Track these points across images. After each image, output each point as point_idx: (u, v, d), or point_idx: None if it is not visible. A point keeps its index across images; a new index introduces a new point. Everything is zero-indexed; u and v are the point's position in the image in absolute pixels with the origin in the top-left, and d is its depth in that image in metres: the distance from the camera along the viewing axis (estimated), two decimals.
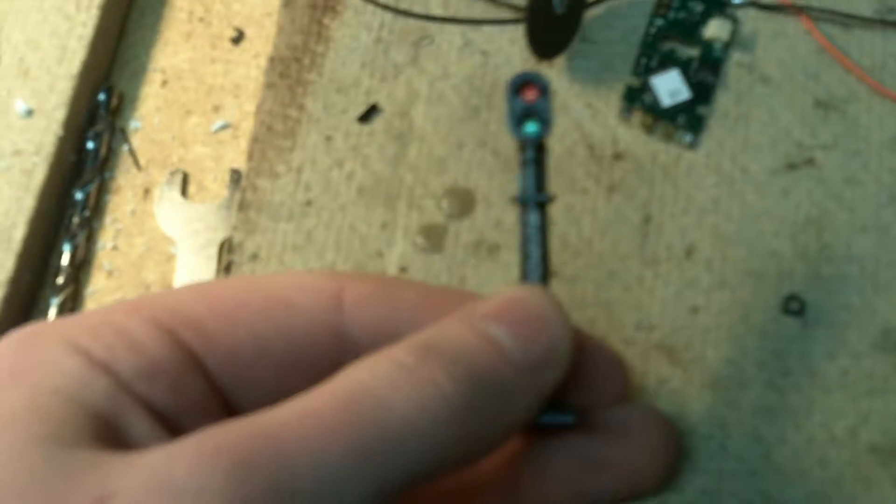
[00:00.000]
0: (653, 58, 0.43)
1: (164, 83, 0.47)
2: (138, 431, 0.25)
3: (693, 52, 0.43)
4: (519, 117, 0.30)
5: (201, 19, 0.48)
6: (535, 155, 0.31)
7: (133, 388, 0.26)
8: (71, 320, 0.28)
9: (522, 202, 0.31)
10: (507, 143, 0.42)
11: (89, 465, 0.23)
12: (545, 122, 0.30)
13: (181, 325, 0.28)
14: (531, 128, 0.30)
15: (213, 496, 0.22)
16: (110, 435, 0.25)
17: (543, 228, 0.31)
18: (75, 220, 0.43)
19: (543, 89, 0.30)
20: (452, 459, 0.26)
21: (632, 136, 0.42)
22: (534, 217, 0.31)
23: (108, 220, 0.44)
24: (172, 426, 0.26)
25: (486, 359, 0.27)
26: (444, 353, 0.26)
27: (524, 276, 0.31)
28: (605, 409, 0.32)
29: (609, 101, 0.42)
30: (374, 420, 0.24)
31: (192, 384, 0.27)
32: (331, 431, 0.24)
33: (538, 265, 0.31)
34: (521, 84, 0.30)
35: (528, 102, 0.30)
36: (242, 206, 0.42)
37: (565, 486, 0.32)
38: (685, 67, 0.42)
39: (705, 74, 0.42)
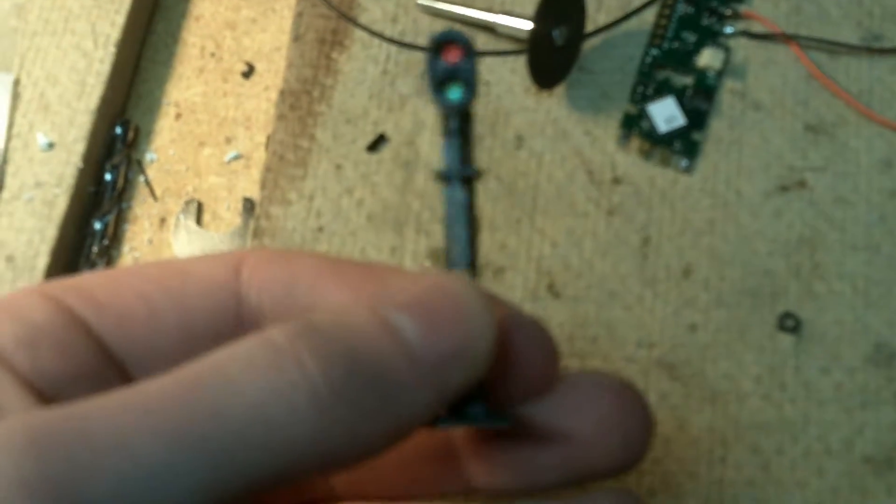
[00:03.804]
0: (649, 86, 0.44)
1: (178, 116, 0.48)
2: (9, 403, 0.24)
3: (687, 80, 0.44)
4: (440, 81, 0.26)
5: (213, 54, 0.50)
6: (458, 124, 0.27)
7: (10, 358, 0.25)
8: None
9: (446, 178, 0.27)
10: (511, 169, 0.43)
11: None
12: (469, 87, 0.26)
13: (67, 292, 0.26)
14: (454, 94, 0.26)
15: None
16: None
17: (470, 207, 0.27)
18: (95, 249, 0.45)
19: (468, 49, 0.26)
20: (317, 457, 0.22)
21: (630, 161, 0.43)
22: (460, 194, 0.27)
23: (125, 248, 0.46)
24: (56, 395, 0.25)
25: (375, 347, 0.23)
26: (322, 334, 0.23)
27: (450, 263, 0.27)
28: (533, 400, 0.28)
29: (607, 128, 0.44)
30: (214, 404, 0.21)
31: (80, 349, 0.26)
32: (152, 413, 0.21)
33: (465, 249, 0.27)
34: (442, 43, 0.26)
35: (450, 64, 0.26)
36: (256, 234, 0.44)
37: (510, 465, 0.29)
38: (680, 95, 0.44)
39: (699, 101, 0.44)
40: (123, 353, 0.26)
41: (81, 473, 0.20)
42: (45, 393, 0.25)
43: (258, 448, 0.21)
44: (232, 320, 0.27)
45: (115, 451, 0.20)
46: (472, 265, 0.27)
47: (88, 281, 0.27)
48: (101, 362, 0.26)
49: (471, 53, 0.26)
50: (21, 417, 0.21)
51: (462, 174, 0.27)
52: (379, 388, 0.23)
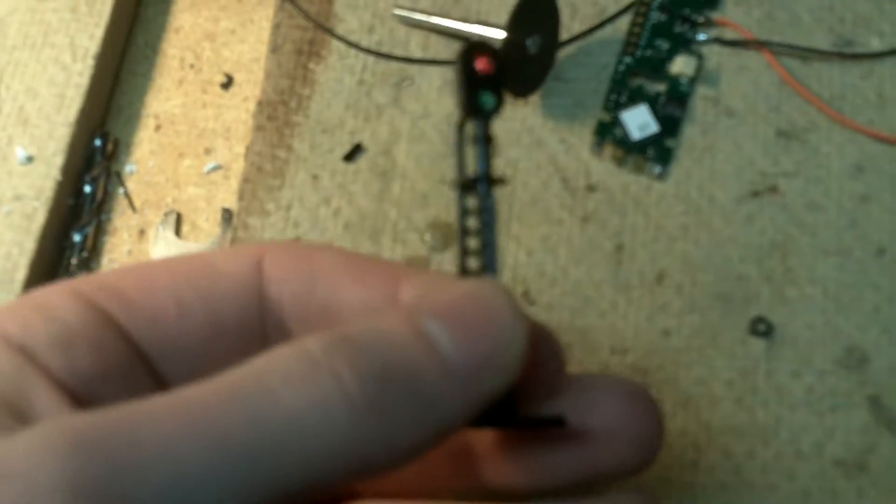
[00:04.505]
0: (622, 94, 0.45)
1: (158, 128, 0.49)
2: (43, 407, 0.24)
3: (661, 87, 0.45)
4: (472, 89, 0.27)
5: (192, 66, 0.50)
6: (486, 131, 0.27)
7: (44, 360, 0.25)
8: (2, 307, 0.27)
9: (475, 184, 0.27)
10: None
11: None
12: (500, 95, 0.27)
13: (98, 291, 0.26)
14: (487, 101, 0.27)
15: (43, 481, 0.20)
16: (14, 413, 0.23)
17: (496, 212, 0.27)
18: (74, 261, 0.45)
19: (497, 59, 0.27)
20: (353, 465, 0.23)
21: (604, 168, 0.44)
22: (491, 199, 0.27)
23: (105, 260, 0.46)
24: (89, 395, 0.25)
25: (409, 356, 0.23)
26: (357, 345, 0.23)
27: (482, 268, 0.27)
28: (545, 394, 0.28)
29: (581, 136, 0.44)
30: (254, 413, 0.22)
31: (111, 348, 0.26)
32: (196, 421, 0.21)
33: (493, 254, 0.27)
34: (471, 54, 0.27)
35: (481, 72, 0.27)
36: (234, 244, 0.44)
37: (525, 464, 0.29)
38: (653, 102, 0.44)
39: (672, 108, 0.44)
40: (153, 350, 0.27)
41: (129, 477, 0.20)
42: (78, 393, 0.25)
43: (296, 456, 0.22)
44: (255, 315, 0.28)
45: (161, 456, 0.21)
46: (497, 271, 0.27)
47: (118, 278, 0.27)
48: (131, 360, 0.26)
49: (500, 62, 0.27)
50: (62, 420, 0.21)
51: (490, 179, 0.27)
52: (413, 397, 0.23)
